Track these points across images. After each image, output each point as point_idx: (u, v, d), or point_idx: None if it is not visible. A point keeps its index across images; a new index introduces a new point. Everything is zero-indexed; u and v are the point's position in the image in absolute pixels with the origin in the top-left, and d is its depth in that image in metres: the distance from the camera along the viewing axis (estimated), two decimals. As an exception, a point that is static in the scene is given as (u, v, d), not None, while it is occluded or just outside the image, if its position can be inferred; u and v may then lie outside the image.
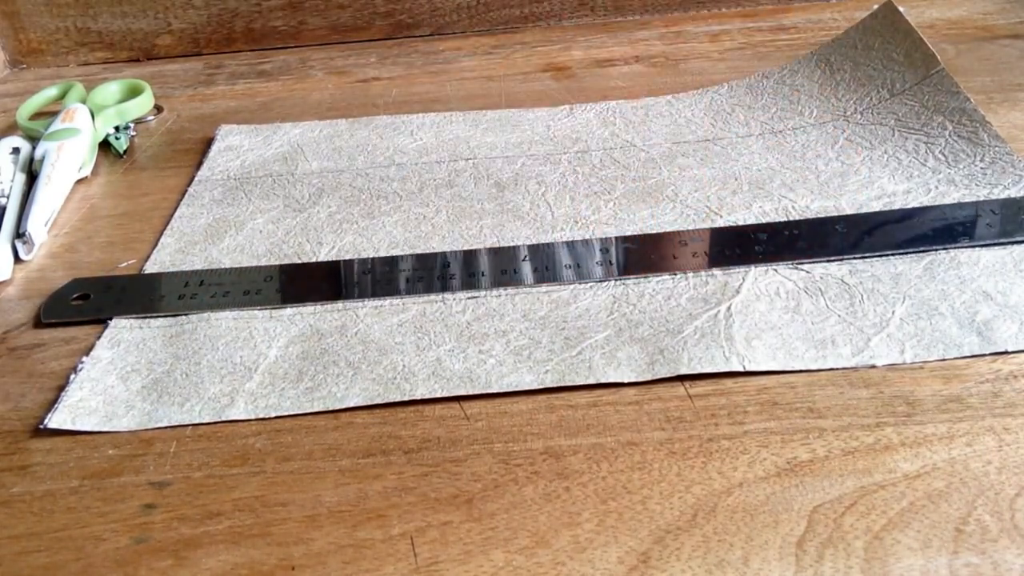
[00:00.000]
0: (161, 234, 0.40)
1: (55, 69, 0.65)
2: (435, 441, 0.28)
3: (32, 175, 0.44)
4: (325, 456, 0.27)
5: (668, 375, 0.29)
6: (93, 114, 0.49)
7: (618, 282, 0.34)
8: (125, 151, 0.49)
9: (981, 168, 0.39)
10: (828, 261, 0.34)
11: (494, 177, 0.43)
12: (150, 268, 0.38)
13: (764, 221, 0.37)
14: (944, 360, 0.29)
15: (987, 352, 0.29)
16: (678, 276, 0.34)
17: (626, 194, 0.40)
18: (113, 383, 0.31)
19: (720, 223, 0.37)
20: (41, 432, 0.29)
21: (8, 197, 0.42)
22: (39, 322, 0.35)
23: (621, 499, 0.25)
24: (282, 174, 0.45)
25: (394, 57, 0.62)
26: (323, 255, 0.38)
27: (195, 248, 0.39)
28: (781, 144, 0.44)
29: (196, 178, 0.45)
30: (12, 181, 0.43)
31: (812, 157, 0.42)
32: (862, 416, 0.27)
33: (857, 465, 0.25)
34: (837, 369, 0.29)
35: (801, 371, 0.29)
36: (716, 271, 0.34)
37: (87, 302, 0.36)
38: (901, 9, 0.48)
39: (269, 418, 0.29)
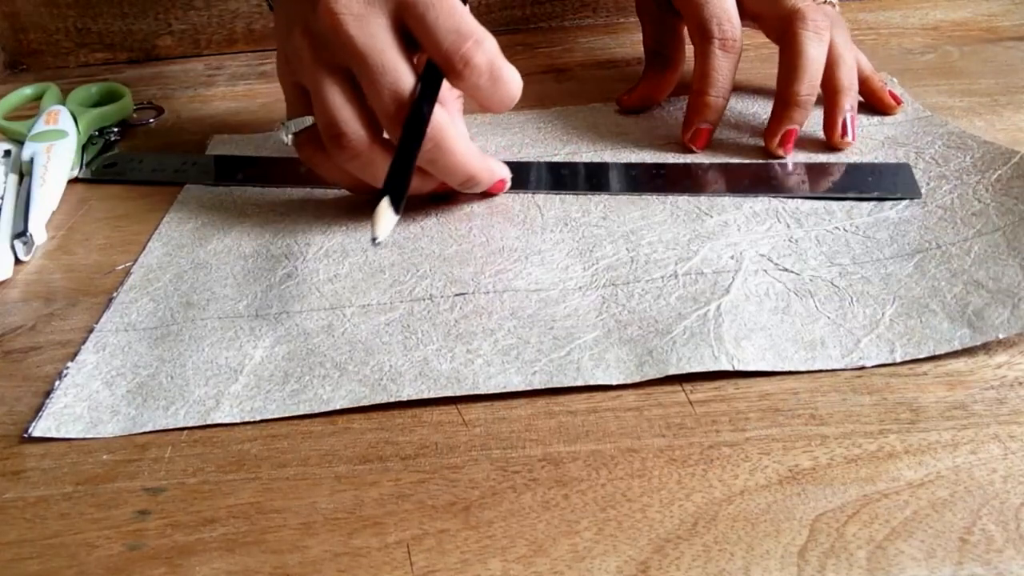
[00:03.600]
0: (149, 239, 0.40)
1: (55, 70, 0.65)
2: (432, 447, 0.27)
3: (20, 177, 0.44)
4: (321, 462, 0.27)
5: (656, 376, 0.29)
6: (75, 116, 0.49)
7: (607, 284, 0.34)
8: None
9: (971, 161, 0.39)
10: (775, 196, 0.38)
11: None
12: (136, 271, 0.38)
13: (753, 221, 0.37)
14: (937, 358, 0.29)
15: (979, 342, 0.29)
16: (668, 275, 0.34)
17: (617, 196, 0.40)
18: (98, 388, 0.31)
19: (710, 223, 0.37)
20: (34, 437, 0.29)
21: (3, 199, 0.42)
22: (38, 324, 0.35)
23: (620, 507, 0.25)
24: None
25: (395, 58, 0.62)
26: (311, 255, 0.37)
27: (182, 251, 0.39)
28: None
29: (185, 186, 0.45)
30: (5, 183, 0.43)
31: (802, 157, 0.42)
32: (865, 423, 0.27)
33: (860, 473, 0.25)
34: (837, 373, 0.29)
35: (803, 376, 0.29)
36: (707, 264, 0.34)
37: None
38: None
39: (264, 423, 0.29)
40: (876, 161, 0.41)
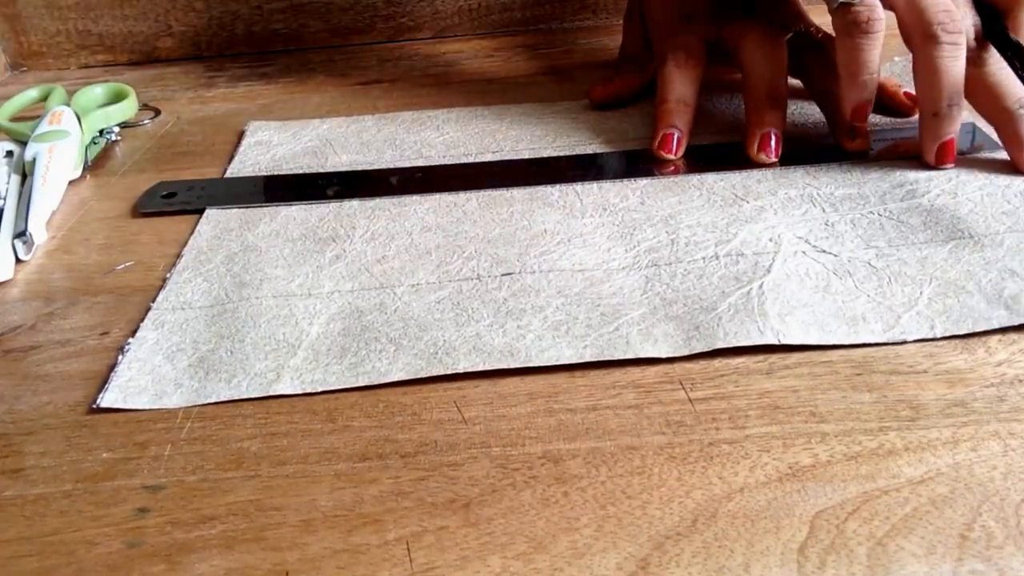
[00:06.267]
0: (197, 224, 0.41)
1: (56, 72, 0.65)
2: (432, 445, 0.27)
3: (23, 177, 0.44)
4: (321, 460, 0.27)
5: (704, 350, 0.30)
6: (79, 117, 0.49)
7: (649, 264, 0.35)
8: (93, 160, 0.49)
9: (999, 168, 0.40)
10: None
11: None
12: (187, 253, 0.38)
13: (789, 207, 0.38)
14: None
15: (1016, 323, 0.30)
16: (709, 256, 0.35)
17: (652, 183, 0.41)
18: (160, 363, 0.31)
19: (746, 208, 0.38)
20: (35, 435, 0.29)
21: (5, 199, 0.42)
22: (38, 323, 0.35)
23: (620, 504, 0.24)
24: (312, 167, 0.46)
25: (395, 60, 0.62)
26: (357, 238, 0.38)
27: (231, 234, 0.40)
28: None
29: (227, 171, 0.46)
30: (8, 183, 0.43)
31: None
32: (865, 421, 0.27)
33: (860, 470, 0.25)
34: (837, 372, 0.29)
35: (803, 373, 0.29)
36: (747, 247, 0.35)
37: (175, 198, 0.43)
38: None
39: (264, 421, 0.29)
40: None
